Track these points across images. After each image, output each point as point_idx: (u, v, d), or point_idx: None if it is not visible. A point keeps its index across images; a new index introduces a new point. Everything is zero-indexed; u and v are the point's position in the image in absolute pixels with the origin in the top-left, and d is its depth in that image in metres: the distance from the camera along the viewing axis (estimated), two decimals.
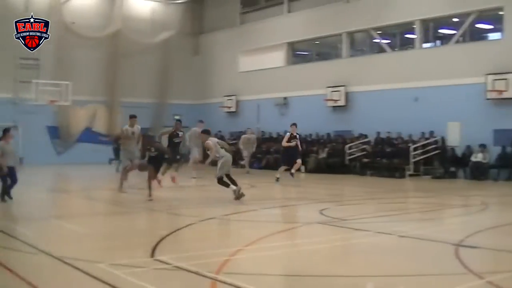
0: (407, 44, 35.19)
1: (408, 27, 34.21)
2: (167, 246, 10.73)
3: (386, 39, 36.18)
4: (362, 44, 38.28)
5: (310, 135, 36.43)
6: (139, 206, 16.89)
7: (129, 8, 41.54)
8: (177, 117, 28.31)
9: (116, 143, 32.19)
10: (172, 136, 22.62)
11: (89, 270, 8.55)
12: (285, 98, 39.11)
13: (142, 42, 38.70)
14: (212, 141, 17.80)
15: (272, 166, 32.83)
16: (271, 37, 40.91)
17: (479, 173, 28.00)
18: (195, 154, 26.02)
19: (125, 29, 38.95)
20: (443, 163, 29.93)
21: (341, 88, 35.27)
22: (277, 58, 40.81)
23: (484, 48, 30.32)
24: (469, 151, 28.87)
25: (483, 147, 28.22)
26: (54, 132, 38.68)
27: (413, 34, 33.71)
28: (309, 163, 33.15)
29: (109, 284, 7.87)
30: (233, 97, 43.02)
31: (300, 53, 42.11)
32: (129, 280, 8.09)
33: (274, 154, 34.28)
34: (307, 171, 32.32)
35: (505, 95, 27.92)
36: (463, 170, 29.08)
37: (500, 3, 29.02)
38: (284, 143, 24.50)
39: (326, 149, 33.59)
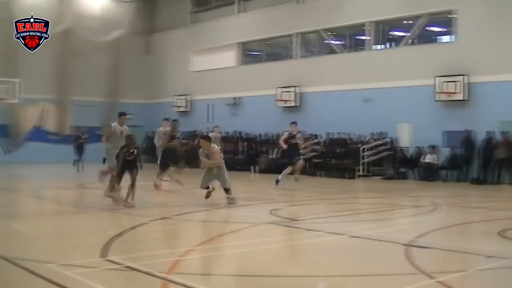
0: (359, 46, 35.37)
1: (359, 29, 34.40)
2: (118, 246, 10.53)
3: (338, 40, 36.35)
4: (313, 45, 38.40)
5: (261, 135, 36.42)
6: (90, 205, 16.66)
7: (79, 6, 41.08)
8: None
9: (77, 141, 31.83)
10: (170, 138, 21.78)
11: (38, 270, 8.33)
12: (236, 98, 39.03)
13: (93, 40, 38.34)
14: (216, 148, 16.99)
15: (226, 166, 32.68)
16: (222, 37, 40.83)
17: (429, 174, 28.27)
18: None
19: (76, 27, 38.52)
20: (393, 164, 30.15)
21: (292, 89, 35.32)
22: (229, 58, 40.75)
23: (434, 51, 30.62)
24: (419, 152, 29.12)
25: (433, 148, 28.49)
26: (3, 131, 38.14)
27: (364, 35, 33.89)
28: (260, 163, 33.13)
29: (59, 285, 7.67)
30: (184, 97, 42.80)
31: (252, 53, 42.12)
32: (79, 281, 7.90)
33: (226, 154, 34.14)
34: (258, 171, 32.28)
35: (455, 97, 28.22)
36: (413, 171, 29.32)
37: (451, 7, 29.31)
38: (281, 142, 24.16)
39: (277, 150, 33.57)
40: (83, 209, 16.43)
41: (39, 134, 38.84)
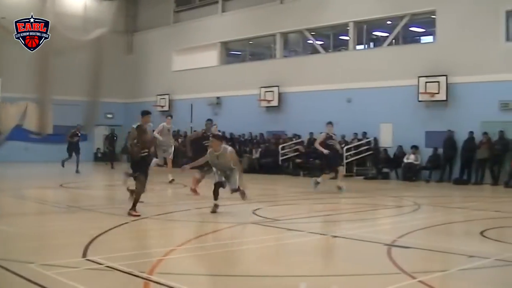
0: (341, 46, 35.42)
1: (342, 29, 34.46)
2: (100, 246, 10.46)
3: (320, 40, 36.36)
4: (296, 45, 38.42)
5: (244, 135, 36.41)
6: (72, 205, 16.56)
7: (61, 4, 40.84)
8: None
9: (73, 139, 31.18)
10: (202, 138, 19.83)
11: (18, 270, 8.26)
12: (218, 97, 38.97)
13: (75, 39, 38.09)
14: (230, 148, 15.33)
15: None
16: (205, 36, 40.76)
17: (411, 174, 28.33)
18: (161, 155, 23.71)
19: (57, 25, 38.24)
20: (375, 164, 30.20)
21: (275, 89, 35.31)
22: (211, 57, 40.68)
23: (416, 51, 30.74)
24: (401, 152, 29.19)
25: (415, 148, 28.57)
26: None
27: (346, 35, 33.92)
28: (243, 163, 33.13)
29: (39, 285, 7.60)
30: (166, 96, 42.68)
31: (234, 52, 42.08)
32: (60, 281, 7.83)
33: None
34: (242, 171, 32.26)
35: (437, 97, 28.31)
36: (395, 171, 29.37)
37: (433, 7, 29.40)
38: (317, 144, 22.30)
39: (259, 149, 33.60)
40: (64, 208, 16.32)
41: (20, 134, 38.58)
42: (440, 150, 28.09)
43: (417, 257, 10.21)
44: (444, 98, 28.18)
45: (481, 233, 12.34)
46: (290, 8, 35.89)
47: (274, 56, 37.67)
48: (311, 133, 32.78)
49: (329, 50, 35.82)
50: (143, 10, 46.99)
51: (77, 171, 29.48)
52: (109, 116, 43.83)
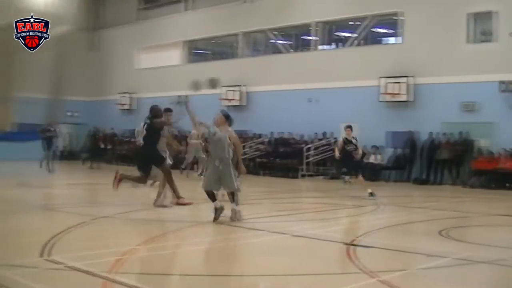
0: (304, 46, 35.47)
1: (305, 29, 34.52)
2: (59, 245, 10.31)
3: (284, 40, 36.39)
4: (259, 44, 38.39)
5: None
6: (31, 204, 16.37)
7: (23, 1, 40.39)
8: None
9: (45, 133, 29.78)
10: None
11: None
12: (181, 96, 38.80)
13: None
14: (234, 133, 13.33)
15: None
16: (169, 34, 40.62)
17: (372, 174, 28.45)
18: None
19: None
20: (336, 163, 30.28)
21: (238, 88, 35.28)
22: (175, 56, 40.56)
23: (380, 52, 30.97)
24: (363, 152, 29.30)
25: (376, 148, 28.73)
26: None
27: (310, 36, 34.00)
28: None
29: None
30: (129, 95, 42.43)
31: (198, 51, 41.93)
32: (19, 281, 7.74)
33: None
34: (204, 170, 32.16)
35: (399, 98, 28.50)
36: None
37: (397, 8, 29.59)
38: (336, 151, 20.73)
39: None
40: (23, 208, 16.11)
41: None
42: (401, 150, 28.28)
43: (378, 257, 10.24)
44: (407, 99, 28.40)
45: (441, 232, 12.44)
46: (254, 8, 35.88)
47: (237, 56, 37.63)
48: (271, 133, 32.83)
49: (293, 50, 35.86)
50: (107, 7, 46.64)
51: (49, 170, 27.92)
52: (73, 114, 43.42)
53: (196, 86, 14.76)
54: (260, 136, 33.49)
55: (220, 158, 12.82)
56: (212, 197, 13.06)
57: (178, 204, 15.11)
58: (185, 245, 11.11)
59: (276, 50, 36.41)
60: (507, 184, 24.95)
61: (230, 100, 35.37)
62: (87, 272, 8.19)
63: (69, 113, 42.49)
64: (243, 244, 11.35)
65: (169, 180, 15.10)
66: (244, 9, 36.48)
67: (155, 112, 15.84)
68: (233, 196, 13.27)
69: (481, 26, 27.51)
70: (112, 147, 38.10)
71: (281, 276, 8.67)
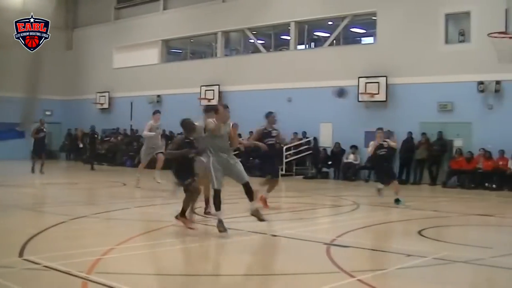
0: (282, 45, 35.46)
1: (283, 29, 34.52)
2: (37, 245, 10.25)
3: (262, 40, 36.37)
4: (237, 43, 38.35)
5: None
6: (9, 204, 16.22)
7: None
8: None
9: (38, 134, 28.91)
10: (266, 135, 17.47)
11: None
12: (159, 95, 38.70)
13: (12, 34, 37.41)
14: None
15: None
16: (146, 34, 40.44)
17: (351, 173, 28.54)
18: (144, 156, 21.75)
19: None
20: (315, 163, 30.34)
21: (215, 87, 35.22)
22: (152, 55, 40.40)
23: (357, 52, 31.02)
24: (341, 152, 29.36)
25: (354, 148, 28.78)
26: None
27: (288, 35, 34.00)
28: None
29: None
30: (106, 94, 42.24)
31: (175, 51, 41.83)
32: None
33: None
34: None
35: (377, 98, 28.58)
36: (335, 170, 29.55)
37: (374, 8, 29.67)
38: (370, 153, 18.91)
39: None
40: (1, 207, 15.97)
41: None
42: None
43: (356, 256, 10.24)
44: (384, 99, 28.49)
45: (419, 232, 12.47)
46: (232, 7, 35.83)
47: (215, 55, 37.57)
48: (250, 132, 32.77)
49: (270, 50, 35.84)
50: (83, 6, 46.36)
51: (41, 171, 26.99)
52: (48, 113, 43.12)
53: (340, 93, 14.41)
54: (240, 136, 33.38)
55: (227, 151, 12.12)
56: (219, 203, 11.70)
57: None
58: (163, 245, 11.05)
59: (253, 49, 36.38)
60: (487, 184, 25.09)
61: (208, 99, 35.25)
62: (66, 272, 8.14)
63: (48, 112, 42.20)
64: (222, 243, 11.27)
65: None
66: (222, 8, 36.42)
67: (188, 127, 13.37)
68: (249, 190, 12.19)
69: (458, 27, 27.64)
70: (91, 146, 37.84)
71: (259, 275, 8.65)
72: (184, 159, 12.46)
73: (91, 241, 11.19)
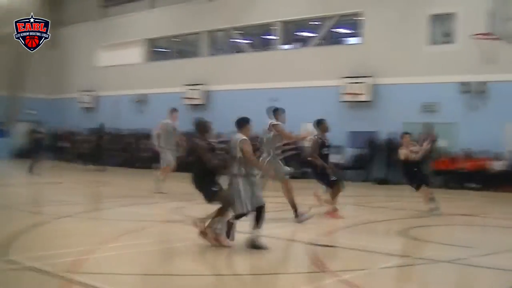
0: (267, 45, 35.46)
1: (268, 28, 34.50)
2: (19, 245, 10.23)
3: (246, 39, 36.37)
4: (222, 43, 38.32)
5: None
6: None
7: None
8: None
9: (32, 136, 28.53)
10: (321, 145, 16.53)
11: None
12: (144, 94, 38.64)
13: None
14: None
15: (128, 163, 33.65)
16: (131, 32, 40.33)
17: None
18: (169, 158, 20.64)
19: None
20: (298, 163, 30.35)
21: (200, 87, 35.19)
22: (136, 54, 40.30)
23: (342, 52, 31.05)
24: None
25: (338, 148, 28.83)
26: None
27: (273, 35, 34.02)
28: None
29: None
30: (90, 93, 42.10)
31: (160, 50, 41.72)
32: None
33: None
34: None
35: (360, 98, 28.66)
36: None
37: (359, 9, 29.74)
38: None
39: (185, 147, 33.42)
40: None
41: None
42: (363, 150, 28.44)
43: (339, 256, 10.31)
44: (368, 99, 28.57)
45: (401, 232, 12.53)
46: (217, 7, 35.78)
47: (200, 54, 37.52)
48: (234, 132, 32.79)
49: (255, 49, 35.84)
50: (68, 4, 46.07)
51: (31, 171, 25.97)
52: (32, 112, 42.95)
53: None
54: (222, 136, 33.41)
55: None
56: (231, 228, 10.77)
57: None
58: (147, 245, 11.04)
59: (238, 49, 36.38)
60: (474, 185, 25.20)
61: (193, 99, 35.24)
62: (46, 273, 8.15)
63: (34, 112, 42.01)
64: (206, 244, 11.30)
65: None
66: (207, 8, 36.36)
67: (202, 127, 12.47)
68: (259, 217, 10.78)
69: (442, 28, 27.75)
70: (73, 145, 37.74)
71: (242, 275, 8.68)
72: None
73: (72, 240, 11.18)
